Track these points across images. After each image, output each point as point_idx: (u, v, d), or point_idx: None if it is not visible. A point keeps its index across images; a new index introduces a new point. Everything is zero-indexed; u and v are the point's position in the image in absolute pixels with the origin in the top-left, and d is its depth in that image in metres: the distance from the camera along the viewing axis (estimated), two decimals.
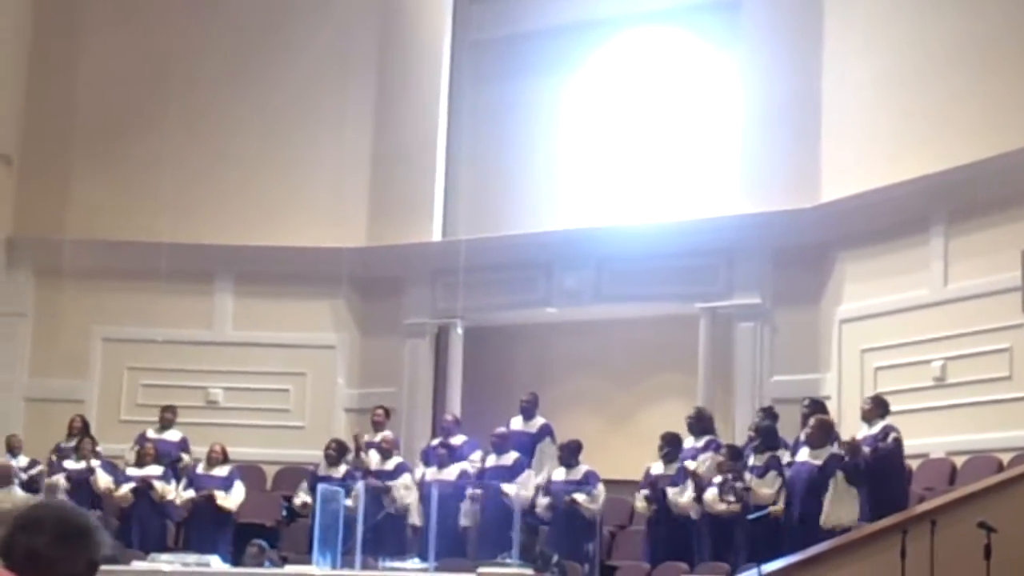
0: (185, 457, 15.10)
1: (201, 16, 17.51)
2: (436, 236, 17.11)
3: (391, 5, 17.62)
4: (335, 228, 17.06)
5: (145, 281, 16.73)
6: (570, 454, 13.66)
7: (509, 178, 17.30)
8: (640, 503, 13.11)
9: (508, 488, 13.53)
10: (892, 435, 11.95)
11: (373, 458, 14.49)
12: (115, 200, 17.17)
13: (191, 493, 14.23)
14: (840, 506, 11.45)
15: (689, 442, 13.43)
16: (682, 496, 12.72)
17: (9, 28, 16.86)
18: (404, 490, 14.09)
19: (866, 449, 11.73)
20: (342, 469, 14.37)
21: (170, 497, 14.28)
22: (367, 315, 17.05)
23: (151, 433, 15.31)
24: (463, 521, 13.72)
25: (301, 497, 14.41)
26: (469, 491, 13.84)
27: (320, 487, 13.49)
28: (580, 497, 13.25)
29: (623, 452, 14.74)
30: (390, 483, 14.04)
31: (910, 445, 12.84)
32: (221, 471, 14.49)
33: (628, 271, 15.86)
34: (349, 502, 13.37)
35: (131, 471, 14.55)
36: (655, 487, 13.00)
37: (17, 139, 17.13)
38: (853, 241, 14.51)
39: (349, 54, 17.46)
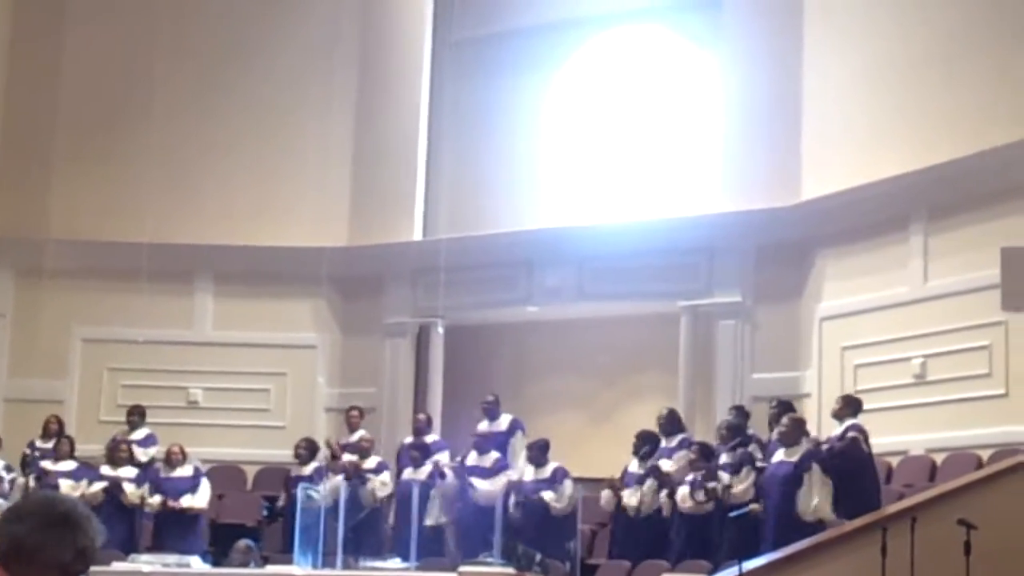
0: (143, 451, 14.91)
1: (182, 18, 17.45)
2: (417, 235, 17.10)
3: (372, 5, 17.60)
4: (316, 228, 17.03)
5: (125, 281, 16.67)
6: (538, 452, 13.64)
7: (490, 177, 17.29)
8: (604, 497, 13.16)
9: (478, 483, 13.53)
10: (850, 434, 11.96)
11: (350, 460, 14.43)
12: (96, 200, 17.10)
13: (158, 499, 14.10)
14: (817, 497, 11.46)
15: (662, 442, 13.43)
16: (633, 497, 12.76)
17: None
18: (381, 485, 14.07)
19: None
20: (312, 467, 14.34)
21: (135, 500, 14.11)
22: (348, 315, 17.02)
23: (119, 436, 15.21)
24: (428, 520, 13.68)
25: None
26: (433, 490, 13.78)
27: (300, 486, 13.49)
28: (548, 495, 13.25)
29: (604, 450, 14.73)
30: (369, 476, 13.99)
31: (890, 442, 12.88)
32: (185, 471, 14.36)
33: (609, 269, 15.86)
34: (316, 495, 13.38)
35: (105, 470, 14.41)
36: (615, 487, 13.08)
37: None
38: (833, 239, 14.53)
39: (330, 54, 17.43)
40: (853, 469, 11.79)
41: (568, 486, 13.32)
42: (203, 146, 17.27)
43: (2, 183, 17.03)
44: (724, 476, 12.16)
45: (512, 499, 13.48)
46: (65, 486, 14.21)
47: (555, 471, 13.45)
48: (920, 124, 13.75)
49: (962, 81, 13.47)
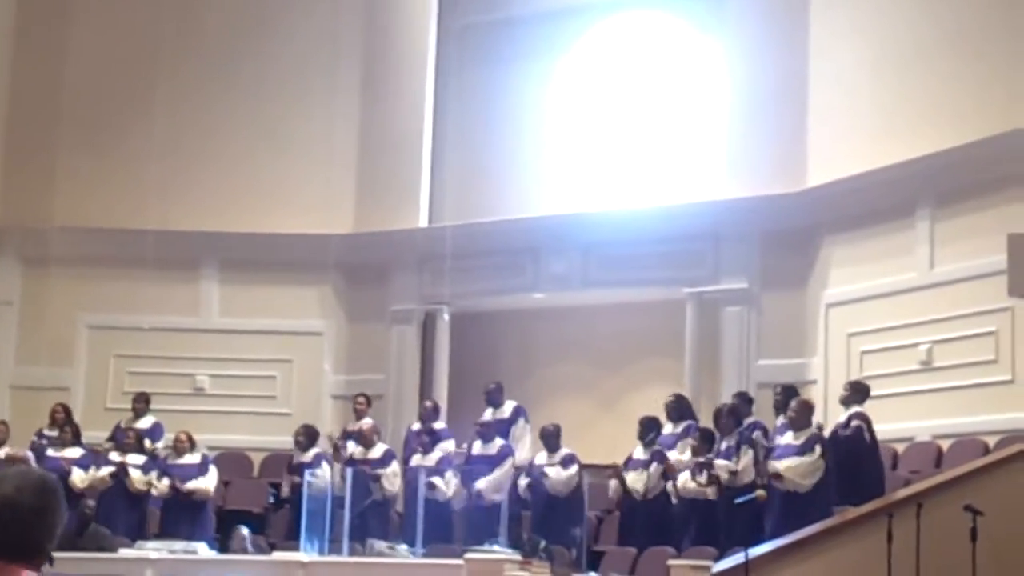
0: (151, 443, 14.93)
1: (187, 5, 17.44)
2: (423, 222, 17.08)
3: None
4: (322, 215, 17.03)
5: (131, 268, 16.70)
6: (550, 437, 13.65)
7: (496, 164, 17.28)
8: (612, 487, 13.17)
9: (479, 484, 13.57)
10: (854, 422, 11.96)
11: (355, 448, 14.45)
12: (101, 188, 17.11)
13: (166, 482, 14.12)
14: (804, 469, 11.49)
15: (668, 428, 13.44)
16: (638, 481, 12.79)
17: None
18: (393, 477, 14.09)
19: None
20: (311, 454, 14.36)
21: (141, 487, 14.12)
22: (354, 302, 17.03)
23: (124, 423, 15.23)
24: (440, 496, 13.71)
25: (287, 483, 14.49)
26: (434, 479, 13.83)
27: (306, 473, 13.52)
28: (550, 470, 13.29)
29: (610, 437, 14.73)
30: (380, 471, 14.00)
31: (896, 429, 12.88)
32: (193, 458, 14.38)
33: (615, 256, 15.85)
34: (314, 479, 13.42)
35: (113, 456, 14.44)
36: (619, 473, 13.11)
37: (2, 126, 17.05)
38: (840, 225, 14.51)
39: (335, 40, 17.41)
40: (861, 456, 11.80)
41: (571, 471, 13.34)
42: (208, 133, 17.27)
43: (8, 171, 17.04)
44: (722, 462, 12.17)
45: (523, 481, 13.50)
46: (75, 473, 14.27)
47: (564, 457, 13.48)
48: (927, 110, 13.73)
49: (969, 67, 13.44)
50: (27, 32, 17.21)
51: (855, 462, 11.75)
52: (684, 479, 12.46)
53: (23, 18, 17.25)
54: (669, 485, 12.69)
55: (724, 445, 12.40)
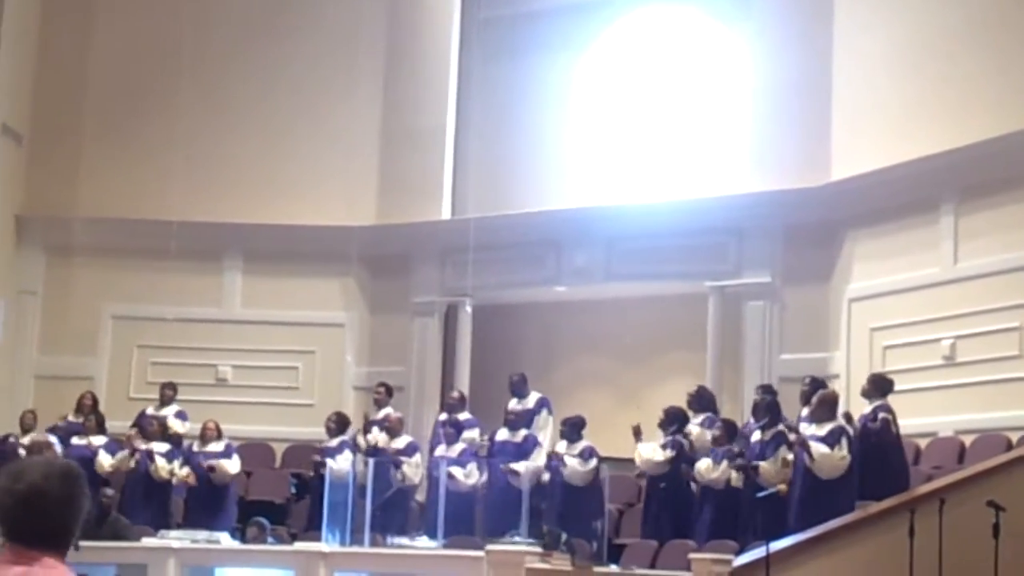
0: (180, 423, 15.00)
1: None
2: (445, 214, 17.10)
3: None
4: (344, 206, 17.07)
5: (155, 259, 16.77)
6: (573, 429, 13.66)
7: (519, 156, 17.28)
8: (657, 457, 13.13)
9: (517, 466, 13.55)
10: (881, 415, 11.94)
11: (379, 437, 14.48)
12: (125, 178, 17.18)
13: (187, 469, 14.19)
14: (828, 462, 11.48)
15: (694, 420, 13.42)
16: (657, 453, 12.82)
17: (19, 5, 16.83)
18: (415, 467, 14.12)
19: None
20: (338, 440, 14.40)
21: (165, 475, 14.20)
22: (376, 293, 17.06)
23: (150, 410, 15.32)
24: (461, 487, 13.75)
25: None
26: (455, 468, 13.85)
27: (328, 462, 13.57)
28: (569, 459, 13.30)
29: (631, 430, 14.71)
30: (403, 459, 14.03)
31: (919, 424, 12.84)
32: (217, 447, 14.46)
33: (637, 250, 15.84)
34: (335, 464, 13.45)
35: (139, 443, 14.53)
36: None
37: (27, 117, 17.12)
38: (863, 220, 14.47)
39: (358, 32, 17.43)
40: (887, 450, 11.78)
41: (590, 466, 13.34)
42: (231, 124, 17.31)
43: (32, 163, 17.12)
44: (767, 466, 12.07)
45: (545, 476, 13.53)
46: (101, 456, 14.37)
47: (584, 449, 13.49)
48: (951, 104, 13.68)
49: (993, 60, 13.39)
50: (51, 24, 17.28)
51: (882, 455, 11.72)
52: (706, 465, 12.43)
53: (47, 9, 17.32)
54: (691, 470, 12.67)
55: (756, 437, 12.33)
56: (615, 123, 16.96)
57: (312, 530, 13.49)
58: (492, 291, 16.58)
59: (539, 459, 13.69)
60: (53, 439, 14.41)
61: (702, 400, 13.55)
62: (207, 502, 14.15)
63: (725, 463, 12.25)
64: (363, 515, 13.12)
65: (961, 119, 13.48)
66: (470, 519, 13.68)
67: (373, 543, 12.91)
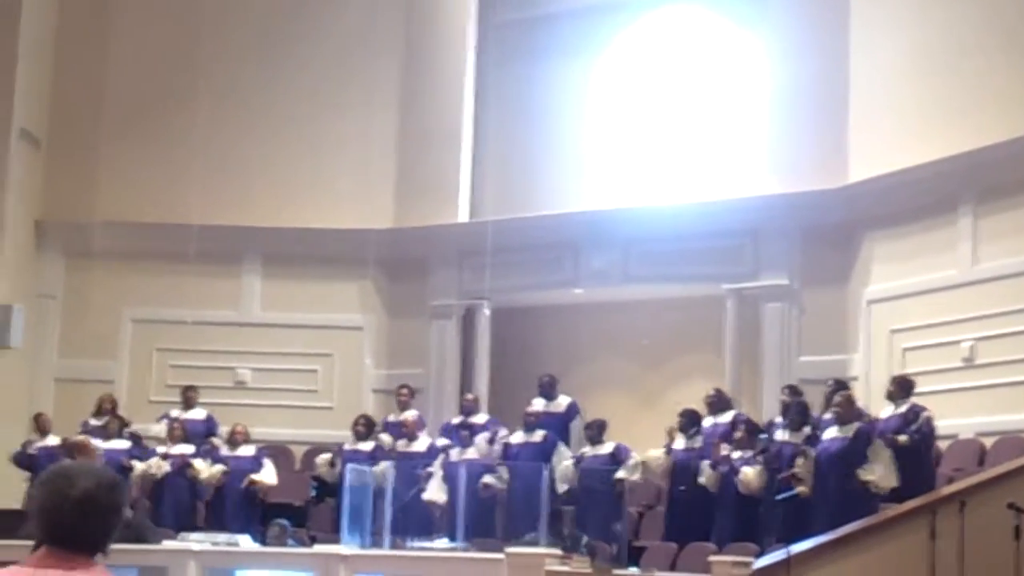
0: (215, 440, 15.14)
1: (228, 0, 17.55)
2: (463, 217, 17.13)
3: None
4: (362, 209, 17.11)
5: (174, 263, 16.83)
6: (596, 431, 13.74)
7: (536, 159, 17.30)
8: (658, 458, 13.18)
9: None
10: (924, 414, 11.98)
11: (394, 440, 14.52)
12: (144, 182, 17.25)
13: (221, 467, 14.27)
14: (881, 468, 11.47)
15: (708, 421, 13.42)
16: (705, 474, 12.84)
17: (36, 9, 16.90)
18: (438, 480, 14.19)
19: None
20: (370, 444, 14.48)
21: (206, 477, 14.32)
22: (394, 296, 17.10)
23: (175, 412, 15.39)
24: (427, 496, 13.78)
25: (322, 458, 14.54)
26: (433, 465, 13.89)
27: (349, 465, 13.59)
28: (621, 473, 13.34)
29: (650, 432, 14.71)
30: (431, 470, 14.08)
31: (939, 426, 12.81)
32: (247, 451, 14.56)
33: (655, 252, 15.84)
34: (376, 471, 13.53)
35: (162, 449, 14.61)
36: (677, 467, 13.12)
37: (46, 122, 17.20)
38: (881, 221, 14.46)
39: (375, 36, 17.47)
40: (924, 451, 11.85)
41: (635, 458, 13.43)
42: (249, 128, 17.37)
43: (51, 167, 17.19)
44: (800, 470, 12.04)
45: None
46: (136, 467, 14.44)
47: (617, 447, 13.57)
48: (969, 105, 13.66)
49: (1011, 62, 13.36)
50: (69, 28, 17.35)
51: (918, 453, 11.79)
52: (749, 473, 12.41)
53: (66, 13, 17.39)
54: (706, 469, 12.69)
55: (783, 436, 12.31)
56: (632, 125, 16.96)
57: (333, 532, 13.52)
58: (510, 294, 16.60)
59: (563, 459, 13.74)
60: (97, 442, 14.46)
61: (720, 403, 13.57)
62: (229, 505, 14.20)
63: (761, 466, 12.23)
64: (383, 517, 13.15)
65: (979, 120, 13.46)
66: (490, 522, 13.70)
67: (393, 545, 12.93)
